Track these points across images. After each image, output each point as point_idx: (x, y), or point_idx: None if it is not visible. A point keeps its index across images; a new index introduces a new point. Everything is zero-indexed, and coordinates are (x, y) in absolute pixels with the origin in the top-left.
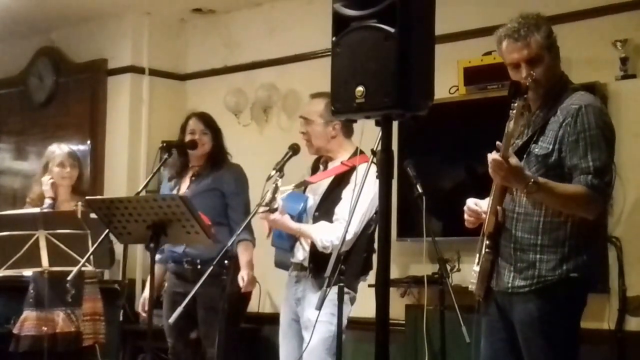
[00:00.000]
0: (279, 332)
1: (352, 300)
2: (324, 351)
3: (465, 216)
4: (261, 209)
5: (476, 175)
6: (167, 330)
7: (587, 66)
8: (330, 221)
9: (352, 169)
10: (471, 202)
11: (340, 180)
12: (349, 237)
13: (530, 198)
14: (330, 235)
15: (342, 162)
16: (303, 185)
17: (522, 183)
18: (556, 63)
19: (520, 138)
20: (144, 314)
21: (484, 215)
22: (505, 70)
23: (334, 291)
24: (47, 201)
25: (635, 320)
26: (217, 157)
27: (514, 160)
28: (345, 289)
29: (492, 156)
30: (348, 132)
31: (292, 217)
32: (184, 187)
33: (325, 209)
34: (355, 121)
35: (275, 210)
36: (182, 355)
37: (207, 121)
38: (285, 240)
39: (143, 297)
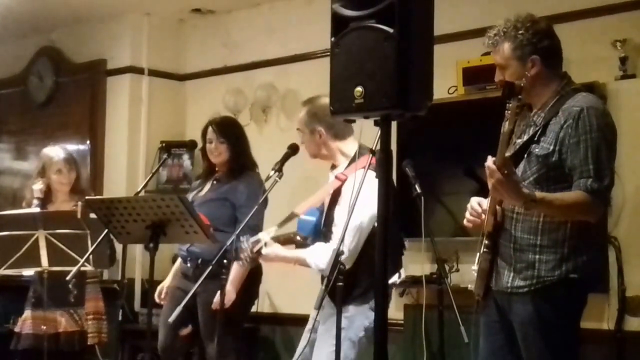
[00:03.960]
0: (278, 332)
1: (373, 309)
2: None
3: (467, 214)
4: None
5: (475, 176)
6: (161, 325)
7: (587, 66)
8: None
9: (345, 182)
10: (475, 202)
11: (336, 196)
12: (344, 255)
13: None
14: (324, 257)
15: (336, 176)
16: (290, 219)
17: (519, 200)
18: (522, 72)
19: (522, 138)
20: (159, 301)
21: (483, 216)
22: None
23: (348, 310)
24: (35, 202)
25: (635, 320)
26: (236, 164)
27: (511, 176)
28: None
29: (487, 163)
30: (339, 134)
31: (305, 237)
32: (205, 189)
33: (328, 227)
34: (354, 121)
35: (259, 252)
36: (171, 351)
37: (224, 130)
38: None
39: (161, 286)
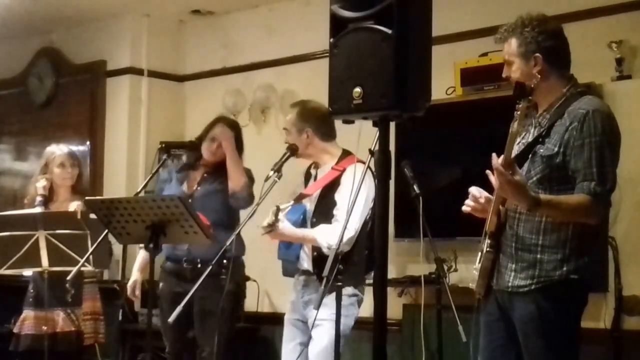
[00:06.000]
0: (277, 332)
1: (360, 302)
2: (330, 351)
3: (467, 202)
4: (263, 230)
5: (473, 176)
6: (164, 331)
7: (583, 67)
8: (329, 224)
9: (343, 172)
10: (474, 189)
11: (332, 184)
12: (350, 234)
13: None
14: (333, 235)
15: (332, 168)
16: (301, 198)
17: (524, 202)
18: (529, 70)
19: (526, 138)
20: (134, 298)
21: (482, 200)
22: (501, 71)
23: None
24: (38, 199)
25: (631, 319)
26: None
27: (518, 177)
28: (352, 290)
29: (494, 162)
30: (325, 135)
31: None
32: (194, 183)
33: (321, 214)
34: (352, 122)
35: (275, 225)
36: (182, 356)
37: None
38: (290, 251)
39: (132, 281)
